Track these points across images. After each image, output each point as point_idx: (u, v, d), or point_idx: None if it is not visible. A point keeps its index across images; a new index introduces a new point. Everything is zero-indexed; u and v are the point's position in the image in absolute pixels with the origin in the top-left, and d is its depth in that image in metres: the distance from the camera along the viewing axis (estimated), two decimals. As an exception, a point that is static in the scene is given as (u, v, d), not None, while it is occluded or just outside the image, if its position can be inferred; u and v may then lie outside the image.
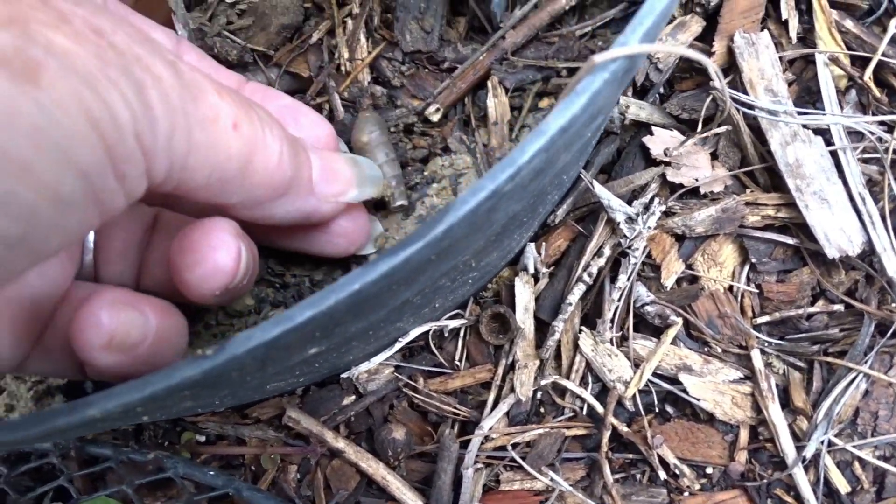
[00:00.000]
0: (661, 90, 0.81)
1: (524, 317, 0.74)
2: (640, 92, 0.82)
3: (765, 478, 0.71)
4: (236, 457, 0.75)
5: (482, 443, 0.71)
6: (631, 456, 0.72)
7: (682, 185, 0.76)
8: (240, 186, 0.49)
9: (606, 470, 0.69)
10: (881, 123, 0.74)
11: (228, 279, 0.51)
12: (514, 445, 0.71)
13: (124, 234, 0.60)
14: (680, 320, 0.73)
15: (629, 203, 0.75)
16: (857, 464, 0.71)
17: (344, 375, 0.72)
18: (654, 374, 0.73)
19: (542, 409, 0.74)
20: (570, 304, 0.73)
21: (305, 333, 0.41)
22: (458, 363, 0.74)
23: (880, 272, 0.71)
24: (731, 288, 0.75)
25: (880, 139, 0.73)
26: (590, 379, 0.73)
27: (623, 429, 0.71)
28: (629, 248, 0.74)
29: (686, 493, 0.71)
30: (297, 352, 0.47)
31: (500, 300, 0.76)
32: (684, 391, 0.71)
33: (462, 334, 0.76)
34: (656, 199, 0.75)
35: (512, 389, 0.72)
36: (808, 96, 0.78)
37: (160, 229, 0.62)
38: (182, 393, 0.43)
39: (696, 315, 0.74)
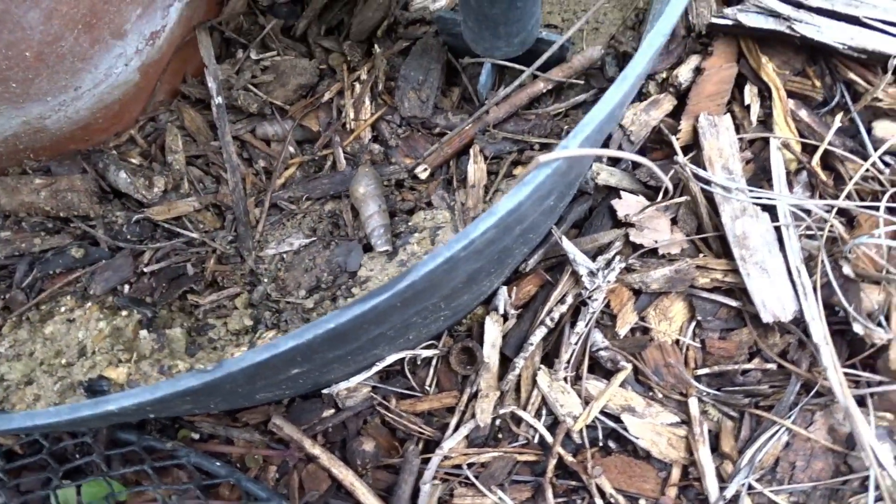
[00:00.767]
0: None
1: (490, 352, 0.83)
2: (614, 158, 0.91)
3: (691, 513, 0.79)
4: (224, 454, 0.84)
5: (442, 460, 0.80)
6: (573, 483, 0.81)
7: (642, 246, 0.84)
8: None
9: (549, 494, 0.78)
10: (825, 205, 0.83)
11: None
12: (470, 465, 0.80)
13: None
14: (630, 366, 0.82)
15: (594, 258, 0.84)
16: (773, 507, 0.80)
17: (325, 391, 0.81)
18: (602, 412, 0.82)
19: (499, 435, 0.83)
20: (532, 344, 0.82)
21: (288, 358, 0.51)
22: (428, 388, 0.83)
23: (810, 338, 0.80)
24: (677, 341, 0.84)
25: (822, 219, 0.82)
26: (544, 412, 0.82)
27: (569, 458, 0.80)
28: (589, 298, 0.82)
29: (620, 521, 0.80)
30: (282, 371, 0.57)
31: (471, 335, 0.85)
32: (626, 429, 0.80)
33: (434, 363, 0.85)
34: (618, 257, 0.84)
35: (473, 415, 0.81)
36: (762, 174, 0.87)
37: None
38: (184, 398, 0.53)
39: (645, 362, 0.83)
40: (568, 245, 0.83)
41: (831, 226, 0.80)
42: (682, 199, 0.85)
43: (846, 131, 0.87)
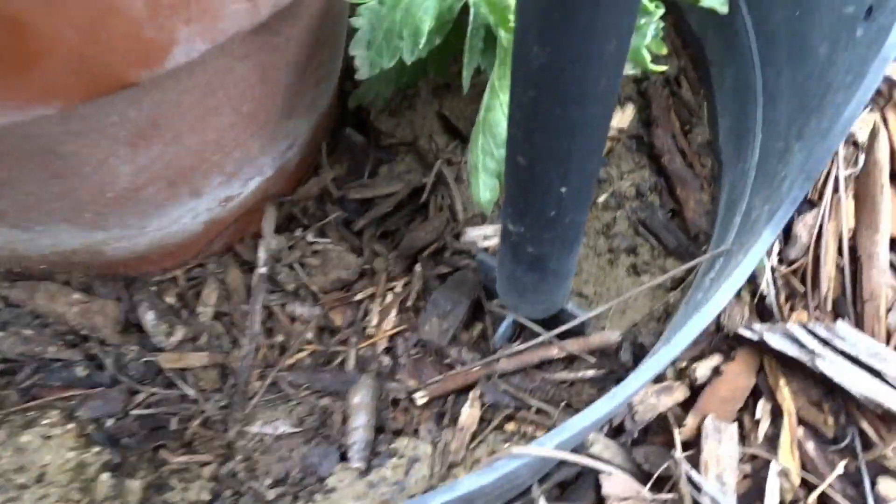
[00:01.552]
0: (635, 436, 0.89)
1: None
2: (616, 430, 0.91)
3: None
4: None
5: None
6: None
7: (619, 534, 0.82)
8: None
9: None
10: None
11: None
12: None
13: None
14: None
15: (567, 531, 0.82)
16: None
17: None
18: None
19: None
20: None
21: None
22: None
23: None
24: None
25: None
26: None
27: None
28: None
29: None
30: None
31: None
32: None
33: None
34: (589, 539, 0.81)
35: None
36: (756, 494, 0.85)
37: None
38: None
39: None
40: (543, 512, 0.81)
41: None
42: (670, 495, 0.84)
43: (850, 477, 0.86)
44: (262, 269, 0.95)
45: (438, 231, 0.97)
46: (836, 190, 1.00)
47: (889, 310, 0.92)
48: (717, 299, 0.59)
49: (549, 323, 0.83)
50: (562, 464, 0.89)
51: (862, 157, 1.03)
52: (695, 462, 0.86)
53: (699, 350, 0.93)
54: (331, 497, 0.76)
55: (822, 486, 0.84)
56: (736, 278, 0.59)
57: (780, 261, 0.98)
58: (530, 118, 0.47)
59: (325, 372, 0.89)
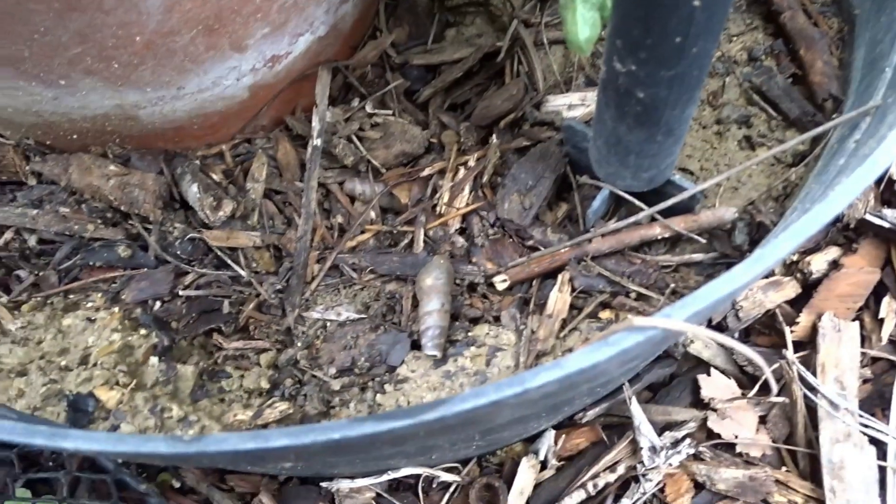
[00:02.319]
0: (736, 336, 0.80)
1: (517, 499, 0.72)
2: (717, 329, 0.81)
3: None
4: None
5: None
6: None
7: (720, 436, 0.74)
8: None
9: None
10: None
11: None
12: None
13: None
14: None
15: (661, 432, 0.73)
16: None
17: (325, 485, 0.72)
18: None
19: None
20: (564, 508, 0.71)
21: (279, 454, 0.42)
22: (436, 515, 0.73)
23: None
24: (731, 559, 0.71)
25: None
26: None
27: None
28: (644, 475, 0.72)
29: None
30: (270, 462, 0.48)
31: (501, 472, 0.75)
32: None
33: (452, 489, 0.74)
34: (688, 440, 0.73)
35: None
36: (878, 401, 0.75)
37: None
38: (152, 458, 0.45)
39: (686, 570, 0.70)
40: (636, 410, 0.72)
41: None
42: (780, 399, 0.74)
43: None
44: (317, 142, 0.84)
45: (516, 100, 0.85)
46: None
47: None
48: (878, 155, 0.47)
49: (651, 199, 0.72)
50: (653, 363, 0.79)
51: None
52: (808, 364, 0.76)
53: (813, 242, 0.82)
54: (403, 388, 0.68)
55: (958, 391, 0.73)
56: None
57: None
58: None
59: (391, 254, 0.80)
